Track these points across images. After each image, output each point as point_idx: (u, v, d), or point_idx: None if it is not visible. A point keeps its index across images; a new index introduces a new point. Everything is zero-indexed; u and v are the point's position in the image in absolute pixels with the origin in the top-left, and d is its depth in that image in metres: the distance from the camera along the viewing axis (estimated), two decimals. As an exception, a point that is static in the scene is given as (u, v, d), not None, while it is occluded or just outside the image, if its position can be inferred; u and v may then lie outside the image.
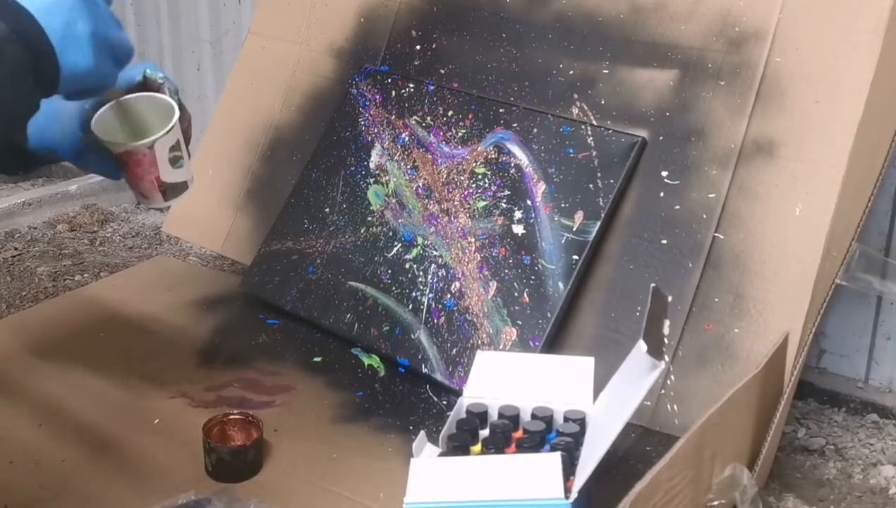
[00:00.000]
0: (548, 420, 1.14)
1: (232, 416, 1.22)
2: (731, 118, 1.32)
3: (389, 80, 1.61)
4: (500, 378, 1.22)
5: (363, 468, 1.20)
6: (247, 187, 1.75)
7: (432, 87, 1.57)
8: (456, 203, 1.46)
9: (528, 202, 1.40)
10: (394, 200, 1.52)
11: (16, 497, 1.14)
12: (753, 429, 1.16)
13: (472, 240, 1.42)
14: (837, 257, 1.26)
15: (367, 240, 1.51)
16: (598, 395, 1.15)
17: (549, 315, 1.32)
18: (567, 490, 0.98)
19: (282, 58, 1.76)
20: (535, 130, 1.44)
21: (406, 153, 1.54)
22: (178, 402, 1.33)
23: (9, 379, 1.38)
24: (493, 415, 1.17)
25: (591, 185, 1.37)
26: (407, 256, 1.47)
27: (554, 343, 1.33)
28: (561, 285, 1.33)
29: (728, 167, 1.31)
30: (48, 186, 2.36)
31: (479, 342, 1.35)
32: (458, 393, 1.26)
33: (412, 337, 1.40)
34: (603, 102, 1.43)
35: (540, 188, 1.40)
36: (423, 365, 1.38)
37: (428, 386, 1.37)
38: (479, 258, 1.41)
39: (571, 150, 1.40)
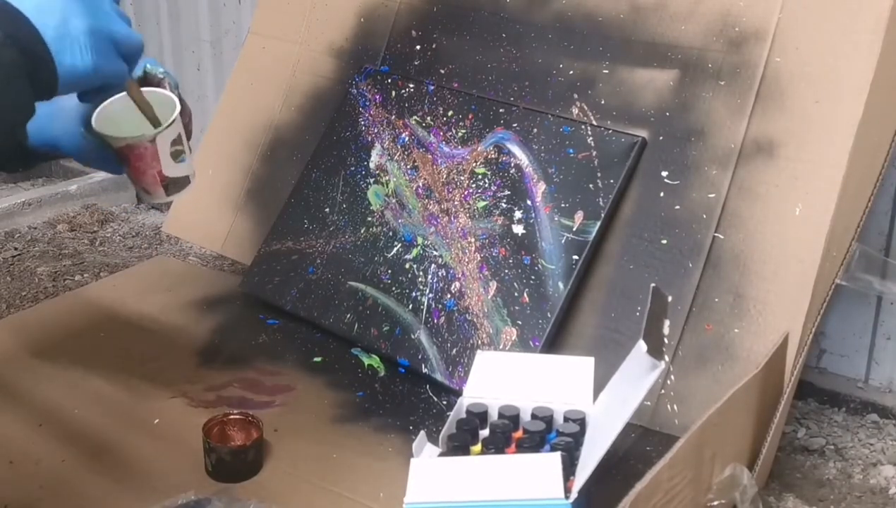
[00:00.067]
0: (548, 420, 1.14)
1: (232, 416, 1.22)
2: (731, 118, 1.32)
3: (389, 80, 1.61)
4: (500, 378, 1.21)
5: (363, 468, 1.20)
6: (247, 187, 1.75)
7: (432, 87, 1.57)
8: (456, 203, 1.46)
9: (528, 202, 1.40)
10: (394, 200, 1.52)
11: (16, 497, 1.14)
12: (753, 429, 1.16)
13: (472, 240, 1.42)
14: (837, 257, 1.26)
15: (367, 240, 1.51)
16: (598, 395, 1.15)
17: (549, 315, 1.32)
18: (567, 490, 0.98)
19: (282, 58, 1.76)
20: (535, 130, 1.44)
21: (406, 153, 1.54)
22: (178, 402, 1.33)
23: (9, 380, 1.38)
24: (493, 415, 1.17)
25: (591, 185, 1.37)
26: (407, 256, 1.47)
27: (554, 343, 1.33)
28: (561, 285, 1.33)
29: (728, 167, 1.31)
30: (48, 186, 2.36)
31: (479, 342, 1.35)
32: (458, 393, 1.26)
33: (412, 337, 1.40)
34: (603, 102, 1.42)
35: (540, 188, 1.40)
36: (423, 365, 1.38)
37: (428, 386, 1.37)
38: (479, 258, 1.41)
39: (571, 150, 1.40)
